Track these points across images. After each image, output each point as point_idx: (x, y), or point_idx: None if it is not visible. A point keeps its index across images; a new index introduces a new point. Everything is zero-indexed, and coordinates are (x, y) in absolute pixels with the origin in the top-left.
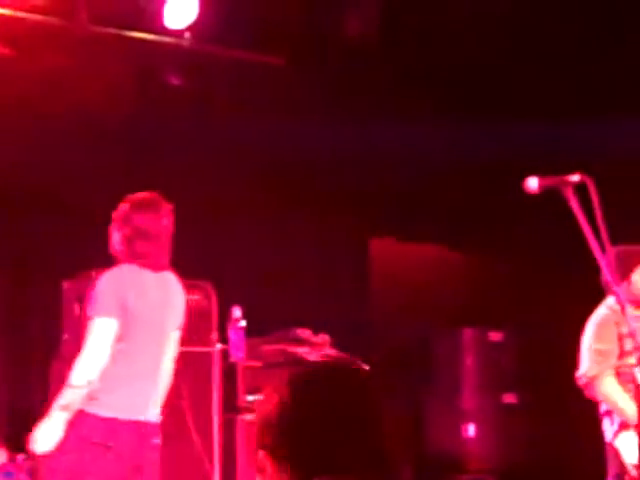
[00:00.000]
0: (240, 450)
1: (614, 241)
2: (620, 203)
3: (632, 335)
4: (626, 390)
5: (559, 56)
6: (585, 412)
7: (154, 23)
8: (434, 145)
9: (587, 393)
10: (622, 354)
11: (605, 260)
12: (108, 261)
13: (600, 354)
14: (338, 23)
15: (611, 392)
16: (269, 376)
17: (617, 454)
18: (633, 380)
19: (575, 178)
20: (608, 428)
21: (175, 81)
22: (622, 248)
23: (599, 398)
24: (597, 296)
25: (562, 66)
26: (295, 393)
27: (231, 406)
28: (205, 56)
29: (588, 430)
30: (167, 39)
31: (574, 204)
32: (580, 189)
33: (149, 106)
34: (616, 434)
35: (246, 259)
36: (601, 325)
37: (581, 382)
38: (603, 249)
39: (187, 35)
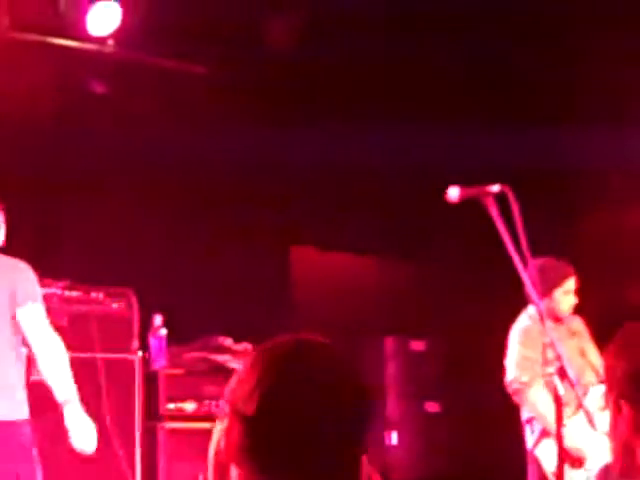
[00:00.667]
0: (161, 458)
1: (537, 250)
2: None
3: (552, 345)
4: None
5: (486, 67)
6: (507, 420)
7: (77, 30)
8: (355, 153)
9: (516, 399)
10: (544, 363)
11: (526, 271)
12: None
13: (528, 361)
14: (260, 32)
15: (539, 400)
16: (190, 384)
17: (537, 462)
18: (554, 389)
19: (495, 188)
20: (529, 436)
21: (98, 88)
22: (547, 261)
23: (527, 405)
24: (519, 305)
25: (487, 75)
26: None
27: (153, 414)
28: (128, 64)
29: (510, 438)
30: (90, 46)
31: (494, 214)
32: (501, 199)
33: (71, 113)
34: (537, 442)
35: (167, 266)
36: (526, 333)
37: (511, 388)
38: (524, 259)
39: (110, 42)
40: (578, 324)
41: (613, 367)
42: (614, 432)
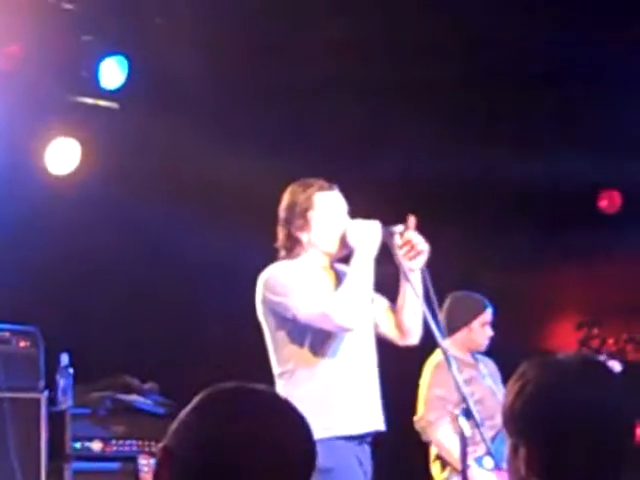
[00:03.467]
0: None
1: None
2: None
3: (457, 387)
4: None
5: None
6: (416, 456)
7: None
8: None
9: (424, 437)
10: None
11: (436, 314)
12: None
13: (439, 399)
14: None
15: (445, 440)
16: (97, 423)
17: None
18: (460, 430)
19: (399, 228)
20: (437, 473)
21: None
22: (464, 293)
23: (434, 443)
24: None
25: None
26: None
27: (59, 453)
28: None
29: (419, 475)
30: None
31: (398, 254)
32: None
33: None
34: (445, 478)
35: (73, 305)
36: (439, 370)
37: (418, 426)
38: (432, 301)
39: None
40: (491, 365)
41: (510, 406)
42: (512, 472)
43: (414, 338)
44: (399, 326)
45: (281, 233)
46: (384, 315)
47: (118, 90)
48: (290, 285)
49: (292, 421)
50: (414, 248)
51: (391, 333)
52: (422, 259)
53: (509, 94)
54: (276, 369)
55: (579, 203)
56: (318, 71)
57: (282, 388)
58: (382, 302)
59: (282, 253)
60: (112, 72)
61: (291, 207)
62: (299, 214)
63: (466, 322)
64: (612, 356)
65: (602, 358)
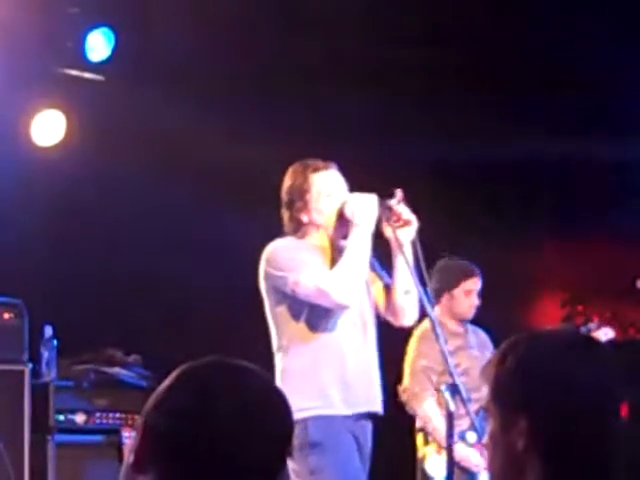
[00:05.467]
0: (50, 470)
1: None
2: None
3: (444, 360)
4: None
5: None
6: (398, 427)
7: None
8: None
9: (408, 409)
10: (442, 372)
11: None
12: None
13: (424, 370)
14: None
15: (429, 413)
16: (80, 396)
17: (425, 473)
18: (445, 404)
19: (394, 202)
20: (420, 445)
21: None
22: (450, 261)
23: (418, 416)
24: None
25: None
26: None
27: (42, 426)
28: None
29: (399, 447)
30: None
31: (389, 226)
32: None
33: None
34: (427, 454)
35: (58, 277)
36: (425, 340)
37: (403, 397)
38: (421, 270)
39: None
40: (482, 336)
41: (507, 379)
42: (501, 447)
43: (407, 319)
44: (392, 305)
45: (285, 216)
46: (380, 295)
47: (104, 63)
48: (291, 261)
49: (269, 396)
50: (400, 218)
51: (386, 313)
52: (411, 230)
53: None
54: (274, 343)
55: (564, 183)
56: (312, 48)
57: (279, 362)
58: (379, 282)
59: (288, 235)
60: (98, 45)
61: (290, 190)
62: (298, 196)
63: (448, 288)
64: (603, 324)
65: (593, 326)
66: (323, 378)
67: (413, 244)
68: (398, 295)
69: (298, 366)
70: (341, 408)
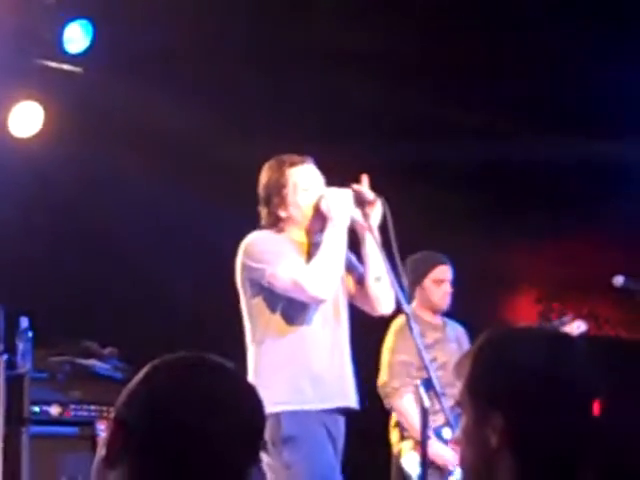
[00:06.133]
0: (24, 461)
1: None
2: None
3: (419, 355)
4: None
5: None
6: (375, 423)
7: None
8: None
9: (386, 403)
10: (419, 367)
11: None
12: None
13: (402, 365)
14: None
15: (407, 409)
16: (55, 388)
17: (401, 469)
18: (420, 400)
19: (370, 197)
20: (396, 441)
21: None
22: (418, 254)
23: (396, 411)
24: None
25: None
26: None
27: (16, 417)
28: None
29: (377, 442)
30: None
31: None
32: None
33: None
34: (403, 450)
35: (33, 268)
36: (402, 335)
37: (381, 392)
38: (395, 264)
39: None
40: (460, 330)
41: (481, 375)
42: (474, 444)
43: (384, 307)
44: (366, 295)
45: (263, 212)
46: (356, 286)
47: (82, 54)
48: (268, 253)
49: (240, 390)
50: (363, 198)
51: (363, 304)
52: (376, 212)
53: None
54: (248, 336)
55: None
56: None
57: (252, 356)
58: (354, 273)
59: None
60: (76, 36)
61: (267, 186)
62: (275, 192)
63: (418, 281)
64: (577, 317)
65: (567, 319)
66: (296, 372)
67: (382, 230)
68: (370, 283)
69: (271, 360)
70: (314, 403)
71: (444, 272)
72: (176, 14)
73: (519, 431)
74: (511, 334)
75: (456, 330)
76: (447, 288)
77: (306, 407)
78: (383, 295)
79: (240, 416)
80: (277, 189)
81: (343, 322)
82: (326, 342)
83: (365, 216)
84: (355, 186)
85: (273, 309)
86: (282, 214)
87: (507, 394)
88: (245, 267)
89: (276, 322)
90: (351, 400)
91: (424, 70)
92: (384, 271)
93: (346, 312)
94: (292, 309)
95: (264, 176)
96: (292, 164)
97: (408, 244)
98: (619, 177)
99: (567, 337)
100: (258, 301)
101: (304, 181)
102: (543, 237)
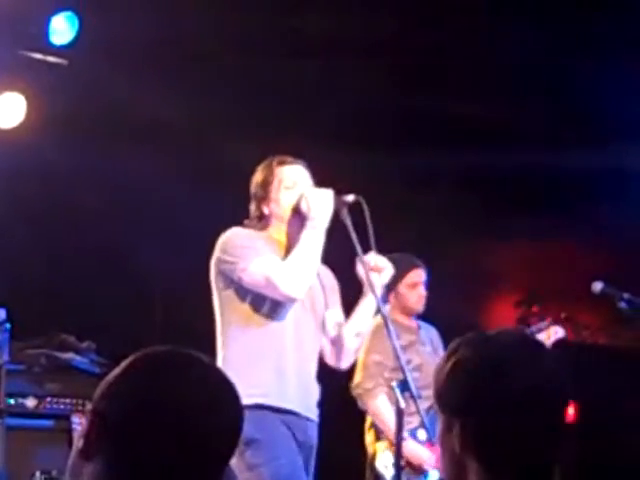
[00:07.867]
0: (0, 452)
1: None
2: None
3: (395, 356)
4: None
5: None
6: (348, 424)
7: None
8: None
9: (360, 404)
10: (394, 368)
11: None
12: None
13: (376, 365)
14: None
15: (381, 410)
16: (32, 380)
17: (375, 470)
18: (396, 401)
19: (350, 198)
20: (371, 442)
21: None
22: (391, 257)
23: (370, 412)
24: None
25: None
26: None
27: None
28: None
29: (352, 443)
30: None
31: (348, 223)
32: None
33: None
34: (377, 451)
35: (11, 260)
36: (377, 335)
37: (355, 392)
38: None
39: None
40: (434, 333)
41: (444, 383)
42: (445, 450)
43: (345, 362)
44: (337, 345)
45: (251, 209)
46: (331, 326)
47: (67, 46)
48: (243, 249)
49: (219, 386)
50: (379, 269)
51: (326, 347)
52: (385, 275)
53: None
54: (218, 330)
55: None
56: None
57: (220, 349)
58: (336, 314)
59: (249, 228)
60: (62, 28)
61: (256, 183)
62: (262, 188)
63: (392, 287)
64: (555, 322)
65: (545, 324)
66: (260, 368)
67: (361, 229)
68: (347, 335)
69: (237, 353)
70: (276, 399)
71: (418, 275)
72: (162, 6)
73: (478, 439)
74: (474, 342)
75: (430, 332)
76: (422, 291)
77: (268, 402)
78: (353, 351)
79: (218, 411)
80: (264, 185)
81: (313, 329)
82: (291, 345)
83: (369, 275)
84: (371, 261)
85: (240, 304)
86: (265, 210)
87: (464, 403)
88: (219, 260)
89: (242, 317)
90: (312, 412)
91: (415, 74)
92: (367, 329)
93: (322, 316)
94: (259, 305)
95: (256, 174)
96: (281, 162)
97: (388, 246)
98: (600, 183)
99: (534, 342)
100: (227, 295)
101: (288, 179)
102: (523, 241)
